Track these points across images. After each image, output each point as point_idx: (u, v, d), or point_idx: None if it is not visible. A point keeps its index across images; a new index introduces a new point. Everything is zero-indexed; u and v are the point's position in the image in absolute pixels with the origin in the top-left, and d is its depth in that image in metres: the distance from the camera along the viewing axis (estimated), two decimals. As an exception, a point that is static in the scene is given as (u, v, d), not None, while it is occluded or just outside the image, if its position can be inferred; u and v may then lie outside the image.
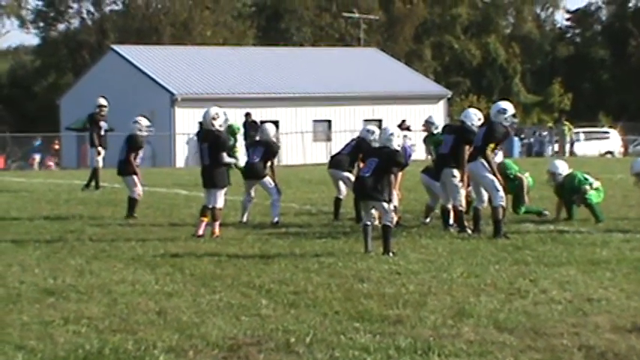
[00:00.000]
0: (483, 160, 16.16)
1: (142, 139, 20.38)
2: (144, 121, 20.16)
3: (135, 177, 19.78)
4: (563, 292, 11.15)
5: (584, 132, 60.16)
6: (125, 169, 20.01)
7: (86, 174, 29.14)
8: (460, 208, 16.74)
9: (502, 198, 16.03)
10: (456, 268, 12.89)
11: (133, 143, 19.92)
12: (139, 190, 19.77)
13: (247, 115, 47.29)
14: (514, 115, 16.97)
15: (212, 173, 16.48)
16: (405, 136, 17.04)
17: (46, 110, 72.11)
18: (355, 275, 12.42)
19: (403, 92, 60.05)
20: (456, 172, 16.69)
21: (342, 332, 9.13)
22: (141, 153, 20.43)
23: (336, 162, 18.85)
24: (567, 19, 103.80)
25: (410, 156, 18.16)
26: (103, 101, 27.37)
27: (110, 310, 10.27)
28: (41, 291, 11.44)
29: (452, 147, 16.90)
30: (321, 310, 10.21)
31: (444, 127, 18.68)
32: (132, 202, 19.83)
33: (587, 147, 56.37)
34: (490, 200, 16.22)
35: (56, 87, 79.93)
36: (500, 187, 16.08)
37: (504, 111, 16.69)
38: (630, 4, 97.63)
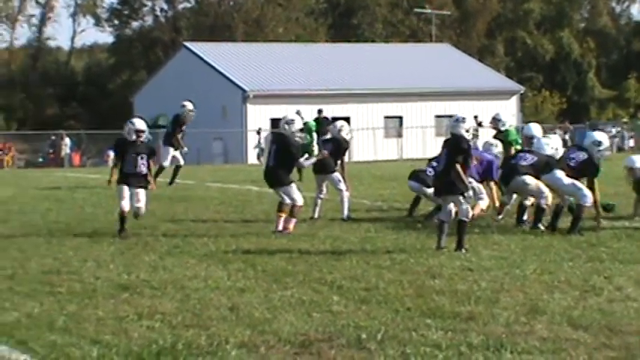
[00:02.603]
0: (557, 171, 16.17)
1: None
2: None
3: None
4: (638, 289, 11.04)
5: None
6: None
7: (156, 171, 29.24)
8: (543, 207, 16.63)
9: (587, 197, 15.92)
10: (528, 264, 12.81)
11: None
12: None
13: (319, 111, 47.32)
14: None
15: (274, 173, 16.61)
16: (474, 135, 16.97)
17: (120, 107, 72.77)
18: (427, 272, 12.40)
19: (475, 88, 59.84)
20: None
21: (414, 329, 9.12)
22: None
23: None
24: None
25: (498, 167, 18.06)
26: (190, 105, 27.54)
27: (183, 306, 10.34)
28: (116, 286, 11.55)
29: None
30: (393, 306, 10.20)
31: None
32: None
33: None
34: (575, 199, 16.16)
35: (130, 84, 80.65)
36: (582, 186, 16.03)
37: (599, 143, 16.59)
38: None
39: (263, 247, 14.70)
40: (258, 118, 54.84)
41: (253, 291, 11.17)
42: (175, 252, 14.51)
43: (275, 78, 58.46)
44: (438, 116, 56.97)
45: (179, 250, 14.75)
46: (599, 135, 17.05)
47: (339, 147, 18.67)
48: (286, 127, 16.63)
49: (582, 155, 16.60)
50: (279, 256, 13.65)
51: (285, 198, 16.43)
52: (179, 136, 26.66)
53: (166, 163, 26.15)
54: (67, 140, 52.86)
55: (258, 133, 52.47)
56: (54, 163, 49.95)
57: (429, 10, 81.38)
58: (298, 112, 16.25)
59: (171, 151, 26.34)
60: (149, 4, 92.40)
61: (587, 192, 15.99)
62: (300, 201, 16.51)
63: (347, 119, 52.20)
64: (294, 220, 16.50)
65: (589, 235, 15.73)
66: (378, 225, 17.65)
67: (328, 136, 20.00)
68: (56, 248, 15.11)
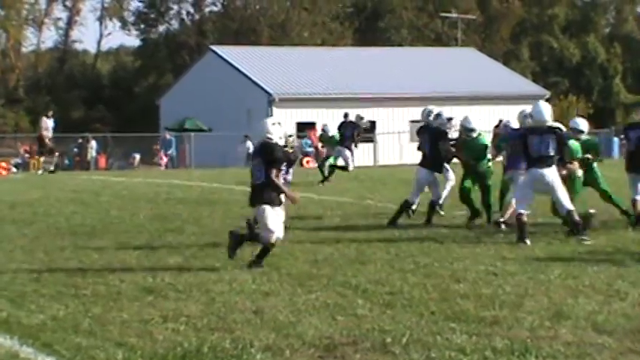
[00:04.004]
0: None
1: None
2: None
3: None
4: (662, 294, 11.02)
5: None
6: None
7: (184, 173, 29.28)
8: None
9: None
10: (553, 269, 12.78)
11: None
12: None
13: (345, 115, 47.34)
14: None
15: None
16: None
17: (146, 110, 73.01)
18: (451, 276, 12.39)
19: (501, 92, 59.67)
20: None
21: (438, 333, 9.12)
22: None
23: None
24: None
25: None
26: None
27: (208, 309, 10.37)
28: (140, 289, 11.60)
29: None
30: (417, 310, 10.20)
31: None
32: None
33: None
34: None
35: (156, 87, 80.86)
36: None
37: None
38: None
39: (287, 251, 14.70)
40: (284, 122, 54.85)
41: (278, 294, 11.19)
42: (200, 255, 14.55)
43: (301, 82, 58.52)
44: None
45: (204, 253, 14.78)
46: None
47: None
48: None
49: None
50: (303, 260, 13.67)
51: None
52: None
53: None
54: (93, 143, 53.04)
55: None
56: (80, 165, 50.09)
57: (455, 15, 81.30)
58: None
59: None
60: (175, 7, 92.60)
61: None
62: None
63: (373, 123, 52.49)
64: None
65: (613, 239, 15.69)
66: (403, 229, 17.65)
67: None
68: (81, 251, 15.17)
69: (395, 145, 54.81)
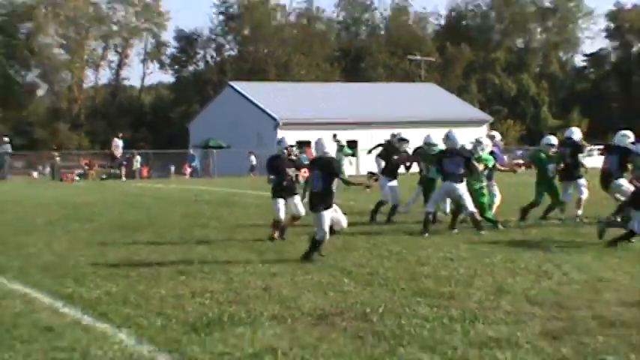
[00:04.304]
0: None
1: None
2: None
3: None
4: (580, 274, 11.01)
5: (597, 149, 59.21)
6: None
7: (208, 181, 29.28)
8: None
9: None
10: (496, 255, 12.78)
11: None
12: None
13: (334, 135, 47.33)
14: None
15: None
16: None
17: (179, 132, 73.01)
18: (417, 260, 12.38)
19: (455, 117, 59.62)
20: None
21: (407, 305, 9.10)
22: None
23: None
24: (584, 61, 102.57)
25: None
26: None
27: (227, 286, 10.35)
28: (175, 271, 11.57)
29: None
30: (391, 287, 10.18)
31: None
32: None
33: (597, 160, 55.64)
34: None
35: (186, 114, 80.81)
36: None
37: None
38: (633, 50, 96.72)
39: (290, 241, 14.70)
40: (287, 140, 54.80)
41: (282, 275, 11.18)
42: (221, 245, 14.53)
43: (300, 109, 58.48)
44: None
45: (224, 243, 14.76)
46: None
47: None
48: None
49: None
50: (303, 248, 13.65)
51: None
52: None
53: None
54: (138, 157, 52.99)
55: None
56: (127, 175, 49.98)
57: (419, 57, 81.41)
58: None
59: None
60: (202, 52, 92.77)
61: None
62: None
63: (355, 142, 52.49)
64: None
65: (542, 231, 15.70)
66: (377, 227, 17.63)
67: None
68: (129, 242, 15.15)
69: (372, 159, 54.72)
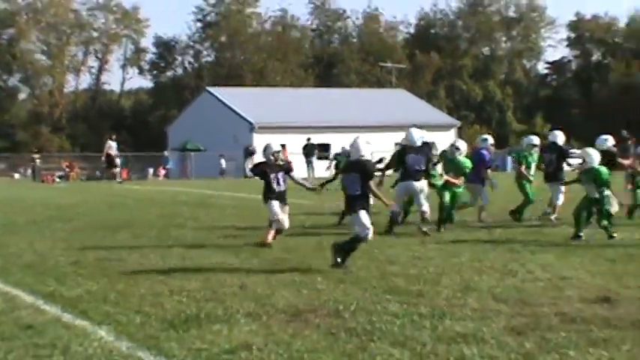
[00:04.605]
0: None
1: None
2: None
3: None
4: (543, 272, 11.06)
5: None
6: None
7: (186, 182, 29.18)
8: None
9: None
10: (463, 254, 12.82)
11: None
12: None
13: (308, 139, 47.53)
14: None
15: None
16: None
17: (157, 136, 72.76)
18: (387, 259, 12.40)
19: (424, 122, 59.56)
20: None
21: (378, 302, 9.11)
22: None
23: None
24: (547, 68, 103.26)
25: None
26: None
27: (204, 285, 10.31)
28: (153, 270, 11.52)
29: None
30: (362, 285, 10.19)
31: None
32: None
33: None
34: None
35: (165, 118, 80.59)
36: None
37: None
38: (593, 58, 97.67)
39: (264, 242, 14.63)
40: (263, 144, 54.68)
41: (257, 274, 11.15)
42: (198, 244, 14.48)
43: (275, 114, 58.45)
44: (396, 143, 56.93)
45: (201, 243, 14.71)
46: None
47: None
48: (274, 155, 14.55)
49: None
50: (277, 248, 13.64)
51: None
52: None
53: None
54: (118, 160, 52.74)
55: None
56: (110, 177, 49.70)
57: (390, 64, 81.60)
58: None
59: None
60: (180, 58, 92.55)
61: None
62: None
63: (328, 145, 52.51)
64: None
65: (509, 231, 15.77)
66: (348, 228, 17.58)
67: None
68: (109, 242, 15.08)
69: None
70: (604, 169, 14.45)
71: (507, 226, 16.92)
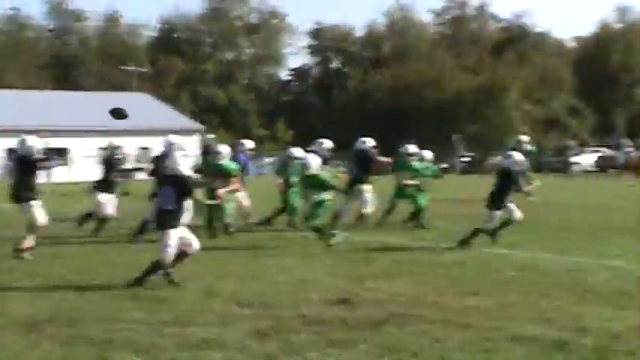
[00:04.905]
0: None
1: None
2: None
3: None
4: (286, 276, 11.28)
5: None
6: None
7: None
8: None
9: None
10: (207, 259, 12.80)
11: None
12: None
13: (45, 141, 45.71)
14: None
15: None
16: None
17: None
18: (132, 265, 12.14)
19: (168, 126, 59.50)
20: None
21: (120, 310, 8.95)
22: None
23: None
24: (289, 75, 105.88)
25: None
26: None
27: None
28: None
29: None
30: (105, 293, 9.95)
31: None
32: None
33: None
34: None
35: None
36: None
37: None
38: (332, 65, 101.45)
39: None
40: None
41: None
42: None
43: (12, 116, 56.10)
44: (142, 148, 56.12)
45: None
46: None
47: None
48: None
49: None
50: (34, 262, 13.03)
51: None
52: None
53: None
54: None
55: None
56: None
57: (131, 67, 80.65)
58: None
59: None
60: None
61: None
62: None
63: (65, 150, 51.04)
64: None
65: (252, 236, 15.98)
66: (105, 236, 17.15)
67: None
68: None
69: (87, 165, 53.68)
70: (322, 175, 14.48)
71: (250, 231, 17.12)
